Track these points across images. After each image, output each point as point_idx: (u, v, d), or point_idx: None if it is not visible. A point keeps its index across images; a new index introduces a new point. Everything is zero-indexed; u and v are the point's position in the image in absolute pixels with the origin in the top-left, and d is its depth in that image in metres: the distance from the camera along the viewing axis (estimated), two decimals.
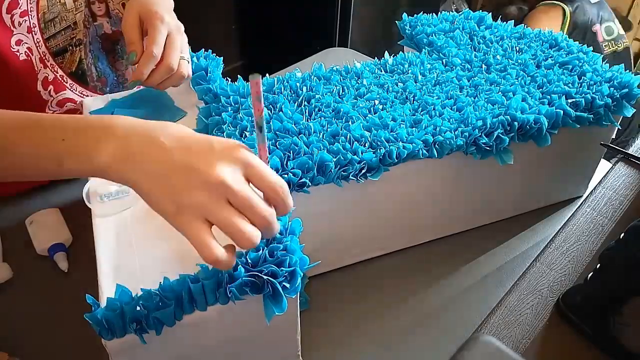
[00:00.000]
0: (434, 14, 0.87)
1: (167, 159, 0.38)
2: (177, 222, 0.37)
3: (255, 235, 0.38)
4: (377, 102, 0.66)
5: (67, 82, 0.75)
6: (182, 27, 0.67)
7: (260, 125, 0.40)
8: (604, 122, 0.68)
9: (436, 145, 0.60)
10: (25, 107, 0.70)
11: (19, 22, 0.65)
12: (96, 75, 0.78)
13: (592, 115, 0.66)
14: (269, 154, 0.57)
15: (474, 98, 0.67)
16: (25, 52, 0.67)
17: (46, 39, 0.70)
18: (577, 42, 0.78)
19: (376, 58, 0.77)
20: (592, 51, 0.76)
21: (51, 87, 0.73)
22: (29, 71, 0.69)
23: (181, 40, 0.65)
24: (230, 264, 0.39)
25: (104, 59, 0.79)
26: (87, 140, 0.39)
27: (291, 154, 0.57)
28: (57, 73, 0.73)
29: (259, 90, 0.39)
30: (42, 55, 0.70)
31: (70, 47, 0.74)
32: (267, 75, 0.71)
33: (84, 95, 0.78)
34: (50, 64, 0.72)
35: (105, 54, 0.79)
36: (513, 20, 0.84)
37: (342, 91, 0.68)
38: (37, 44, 0.69)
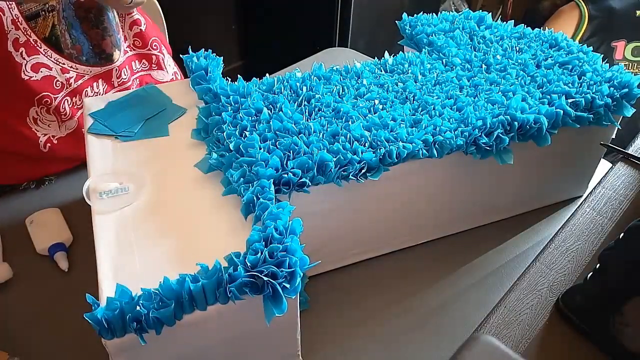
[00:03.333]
0: (434, 13, 0.87)
1: None
2: None
3: None
4: (377, 102, 0.66)
5: (40, 48, 0.75)
6: None
7: None
8: (604, 122, 0.68)
9: (436, 145, 0.60)
10: None
11: None
12: (70, 43, 0.78)
13: (592, 115, 0.66)
14: (269, 153, 0.57)
15: (474, 98, 0.67)
16: None
17: (19, 1, 0.70)
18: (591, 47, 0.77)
19: (376, 58, 0.77)
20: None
21: (22, 49, 0.73)
22: None
23: None
24: None
25: (78, 26, 0.79)
26: None
27: (291, 154, 0.57)
28: (30, 37, 0.74)
29: None
30: (15, 18, 0.71)
31: (43, 12, 0.74)
32: (267, 75, 0.71)
33: (59, 62, 0.78)
34: (23, 28, 0.73)
35: (79, 22, 0.80)
36: (513, 21, 0.84)
37: (342, 91, 0.68)
38: (9, 6, 0.70)
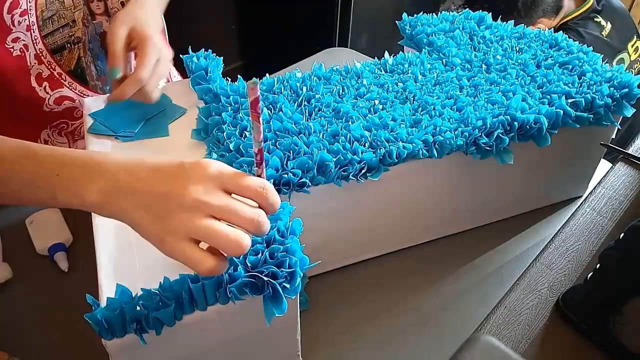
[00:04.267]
0: (433, 14, 0.87)
1: (148, 189, 0.39)
2: (166, 247, 0.39)
3: (241, 237, 0.38)
4: (377, 102, 0.66)
5: (65, 80, 0.75)
6: (171, 56, 0.68)
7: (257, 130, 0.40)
8: (604, 122, 0.68)
9: (436, 145, 0.60)
10: (21, 104, 0.70)
11: (19, 21, 0.65)
12: (95, 74, 0.78)
13: (592, 115, 0.66)
14: (269, 153, 0.57)
15: (474, 98, 0.67)
16: (20, 48, 0.68)
17: (44, 36, 0.70)
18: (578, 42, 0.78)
19: (376, 58, 0.77)
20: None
21: (46, 83, 0.73)
22: (21, 66, 0.69)
23: (165, 69, 0.66)
24: (223, 267, 0.40)
25: (104, 57, 0.79)
26: (80, 177, 0.40)
27: (291, 154, 0.57)
28: (55, 70, 0.73)
29: (257, 96, 0.39)
30: (39, 52, 0.70)
31: (69, 45, 0.74)
32: (267, 75, 0.71)
33: (84, 94, 0.77)
34: (47, 61, 0.72)
35: (105, 53, 0.80)
36: (513, 21, 0.84)
37: (342, 91, 0.68)
38: (34, 41, 0.69)
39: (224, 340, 0.50)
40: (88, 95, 0.78)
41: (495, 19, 0.85)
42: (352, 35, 1.87)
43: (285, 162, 0.56)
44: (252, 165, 0.55)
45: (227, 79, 0.69)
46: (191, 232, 0.38)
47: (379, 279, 0.70)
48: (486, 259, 0.73)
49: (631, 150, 0.78)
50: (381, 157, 0.58)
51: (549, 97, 0.67)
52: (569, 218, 0.67)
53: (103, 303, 0.44)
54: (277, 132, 0.60)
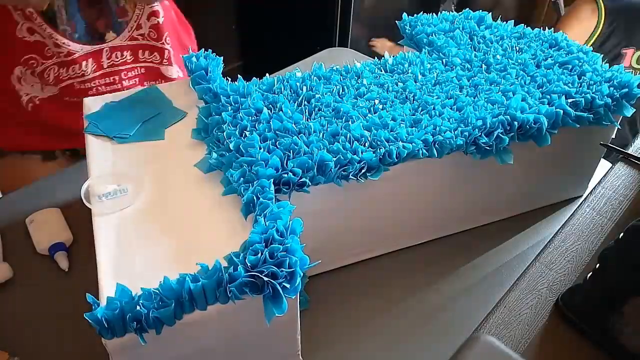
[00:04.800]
0: (433, 13, 0.87)
1: None
2: None
3: None
4: (377, 101, 0.66)
5: (35, 20, 0.76)
6: None
7: None
8: (604, 122, 0.68)
9: (436, 145, 0.60)
10: None
11: None
12: (66, 19, 0.78)
13: (592, 115, 0.66)
14: (269, 153, 0.57)
15: (474, 98, 0.67)
16: None
17: None
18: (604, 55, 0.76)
19: (376, 58, 0.77)
20: None
21: (20, 12, 0.74)
22: None
23: None
24: None
25: (75, 2, 0.79)
26: None
27: (291, 154, 0.57)
28: (26, 10, 0.74)
29: None
30: None
31: None
32: (267, 75, 0.71)
33: (52, 37, 0.78)
34: None
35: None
36: (513, 21, 0.84)
37: (342, 91, 0.68)
38: None
39: (224, 339, 0.50)
40: (56, 40, 0.78)
41: None
42: (352, 35, 1.87)
43: (285, 162, 0.56)
44: (252, 165, 0.55)
45: (227, 79, 0.69)
46: None
47: (379, 279, 0.70)
48: (486, 259, 0.73)
49: (631, 150, 0.78)
50: (381, 157, 0.58)
51: (548, 96, 0.67)
52: (568, 218, 0.67)
53: (103, 302, 0.44)
54: (277, 132, 0.60)
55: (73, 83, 0.83)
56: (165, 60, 0.91)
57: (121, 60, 0.86)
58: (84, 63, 0.82)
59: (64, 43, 0.78)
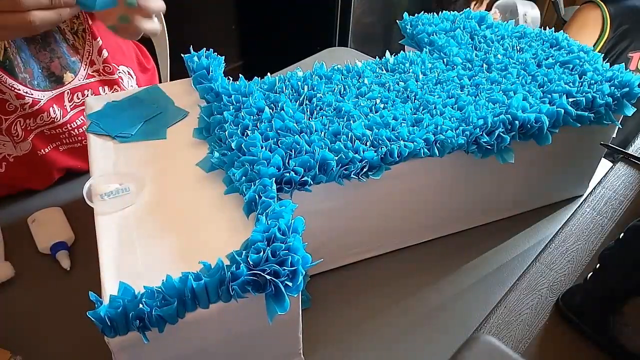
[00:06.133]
0: (434, 13, 0.87)
1: None
2: None
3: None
4: (378, 101, 0.66)
5: None
6: None
7: None
8: (604, 121, 0.68)
9: (437, 144, 0.61)
10: None
11: None
12: (22, 66, 0.75)
13: (592, 114, 0.66)
14: (271, 152, 0.57)
15: (475, 97, 0.67)
16: None
17: None
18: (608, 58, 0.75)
19: (377, 57, 0.78)
20: None
21: None
22: None
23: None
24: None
25: (26, 48, 0.76)
26: None
27: (293, 153, 0.57)
28: None
29: None
30: None
31: None
32: (268, 74, 0.71)
33: (14, 88, 0.73)
34: None
35: (27, 44, 0.76)
36: (513, 20, 0.84)
37: (344, 90, 0.68)
38: None
39: (226, 337, 0.50)
40: (18, 90, 0.73)
41: None
42: (352, 35, 1.87)
43: (287, 161, 0.56)
44: (254, 164, 0.55)
45: (228, 78, 0.69)
46: None
47: (380, 278, 0.70)
48: (486, 259, 0.73)
49: (631, 150, 0.79)
50: (382, 156, 0.58)
51: (549, 96, 0.67)
52: (569, 218, 0.67)
53: (106, 301, 0.44)
54: (278, 131, 0.60)
55: (43, 130, 0.78)
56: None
57: (83, 101, 0.81)
58: (51, 110, 0.78)
59: (26, 92, 0.74)
